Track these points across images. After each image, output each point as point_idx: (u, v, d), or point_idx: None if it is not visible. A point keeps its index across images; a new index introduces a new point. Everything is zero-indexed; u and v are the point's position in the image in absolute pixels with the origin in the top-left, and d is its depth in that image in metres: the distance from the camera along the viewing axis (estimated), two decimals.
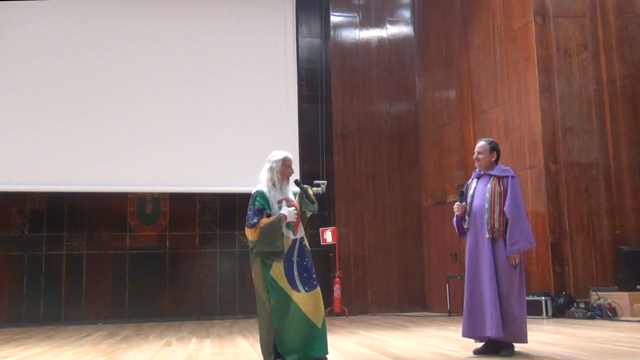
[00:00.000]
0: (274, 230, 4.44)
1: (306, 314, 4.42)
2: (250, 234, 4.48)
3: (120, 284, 10.56)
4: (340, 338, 6.73)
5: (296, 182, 4.79)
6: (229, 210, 11.06)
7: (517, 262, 4.71)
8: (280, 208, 4.56)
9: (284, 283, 4.45)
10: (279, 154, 4.71)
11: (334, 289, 10.72)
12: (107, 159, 10.36)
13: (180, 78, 10.90)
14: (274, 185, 4.63)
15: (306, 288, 4.49)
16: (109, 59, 10.68)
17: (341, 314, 10.62)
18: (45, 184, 10.15)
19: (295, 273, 4.51)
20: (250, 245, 4.54)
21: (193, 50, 11.09)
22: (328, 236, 10.68)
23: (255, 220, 4.44)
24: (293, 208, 4.58)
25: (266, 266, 4.48)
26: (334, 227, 10.85)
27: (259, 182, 4.68)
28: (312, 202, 4.70)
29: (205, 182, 10.70)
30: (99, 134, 10.42)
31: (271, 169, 4.65)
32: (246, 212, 4.56)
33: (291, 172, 4.72)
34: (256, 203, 4.51)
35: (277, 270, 4.46)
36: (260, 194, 4.55)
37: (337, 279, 10.78)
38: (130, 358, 5.41)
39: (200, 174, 10.64)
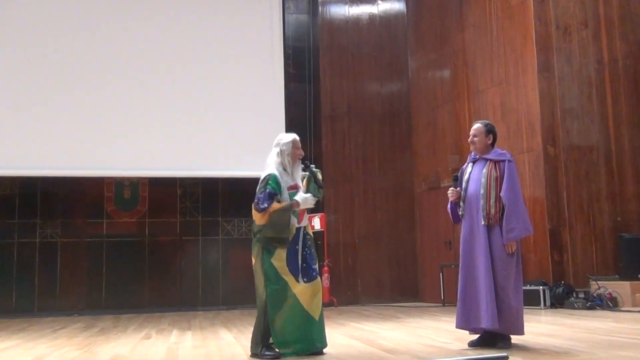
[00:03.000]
0: (285, 217, 4.45)
1: (303, 305, 4.44)
2: (258, 218, 4.46)
3: (96, 273, 10.38)
4: (328, 330, 6.65)
5: (305, 165, 4.73)
6: (211, 196, 10.97)
7: (513, 250, 4.66)
8: (292, 195, 4.56)
9: (284, 271, 4.46)
10: (287, 137, 4.72)
11: (323, 279, 10.49)
12: (83, 141, 10.15)
13: (160, 57, 10.70)
14: (284, 169, 4.61)
15: (305, 279, 4.50)
16: (85, 40, 10.47)
17: (330, 304, 10.50)
18: (16, 167, 9.99)
19: (299, 262, 4.52)
20: (255, 229, 4.53)
21: (174, 28, 10.87)
22: (316, 223, 10.59)
23: (266, 205, 4.42)
24: (310, 195, 4.59)
25: (268, 253, 4.49)
26: (322, 214, 10.75)
27: (266, 166, 4.64)
28: (320, 187, 4.71)
29: (187, 166, 10.56)
30: (74, 115, 10.22)
31: (281, 153, 4.62)
32: (255, 195, 4.52)
33: (301, 153, 4.69)
34: (268, 187, 4.48)
35: (280, 258, 4.46)
36: (274, 177, 4.52)
37: (326, 268, 10.67)
38: (107, 351, 5.29)
39: (181, 157, 10.50)
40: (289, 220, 4.46)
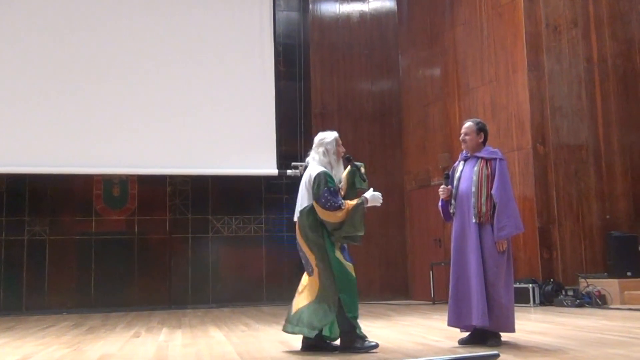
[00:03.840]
0: (361, 213, 4.47)
1: None
2: (333, 217, 4.43)
3: (85, 271, 10.28)
4: None
5: (349, 159, 4.76)
6: (201, 194, 10.89)
7: (504, 248, 4.64)
8: None
9: (344, 260, 4.54)
10: (329, 135, 4.73)
11: None
12: (72, 138, 10.05)
13: (149, 54, 10.60)
14: (331, 168, 4.65)
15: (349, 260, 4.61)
16: (74, 37, 10.35)
17: None
18: (4, 164, 9.87)
19: (346, 249, 4.63)
20: (330, 228, 4.47)
21: (164, 26, 10.78)
22: None
23: (341, 202, 4.43)
24: (379, 193, 4.66)
25: (331, 248, 4.50)
26: None
27: (311, 165, 4.68)
28: (364, 180, 4.73)
29: (177, 164, 10.47)
30: (63, 112, 10.11)
31: (327, 152, 4.66)
32: (318, 195, 4.49)
33: (343, 150, 4.75)
34: (330, 185, 4.49)
35: (338, 250, 4.53)
36: (329, 175, 4.55)
37: None
38: (96, 350, 5.23)
39: (171, 154, 10.41)
40: (364, 216, 4.52)
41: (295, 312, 4.59)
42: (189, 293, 10.59)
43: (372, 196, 4.61)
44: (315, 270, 4.53)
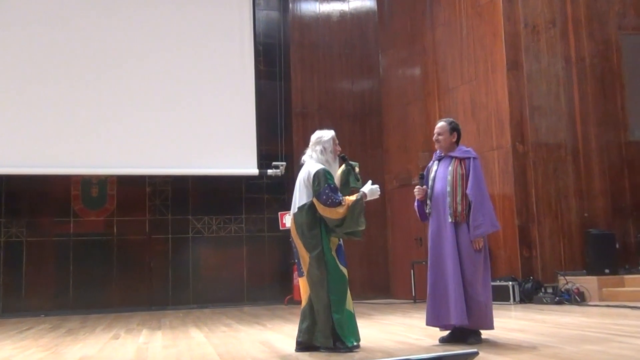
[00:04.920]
0: (360, 208, 4.48)
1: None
2: (334, 213, 4.44)
3: (63, 273, 10.21)
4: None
5: (344, 159, 4.83)
6: (181, 194, 10.85)
7: (481, 246, 4.65)
8: None
9: (339, 263, 4.55)
10: (326, 134, 4.75)
11: (294, 276, 10.48)
12: (49, 138, 9.96)
13: (128, 52, 10.53)
14: (328, 166, 4.67)
15: (344, 265, 4.63)
16: (50, 35, 10.23)
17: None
18: None
19: (342, 251, 4.63)
20: (332, 225, 4.48)
21: (143, 24, 10.70)
22: (287, 220, 10.44)
23: (342, 198, 4.45)
24: (377, 186, 4.69)
25: (328, 246, 4.51)
26: None
27: (308, 163, 4.68)
28: (358, 180, 4.78)
29: (156, 164, 10.42)
30: (40, 112, 10.00)
31: (324, 150, 4.69)
32: (318, 192, 4.48)
33: (339, 149, 4.79)
34: (330, 182, 4.51)
35: (334, 251, 4.54)
36: (329, 172, 4.57)
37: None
38: (75, 352, 5.18)
39: (150, 155, 10.36)
40: (364, 210, 4.53)
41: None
42: (169, 294, 10.53)
43: (370, 190, 4.65)
44: (305, 269, 4.53)
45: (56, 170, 10.00)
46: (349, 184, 4.75)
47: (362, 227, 4.52)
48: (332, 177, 4.55)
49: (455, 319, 4.55)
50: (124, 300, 10.29)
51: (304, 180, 4.58)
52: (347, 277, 4.56)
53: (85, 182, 10.48)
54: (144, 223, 10.64)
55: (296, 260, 4.68)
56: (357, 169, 4.79)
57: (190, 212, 10.75)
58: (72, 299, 10.10)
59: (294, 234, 4.61)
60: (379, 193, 4.70)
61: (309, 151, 4.74)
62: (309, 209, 4.51)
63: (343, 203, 4.42)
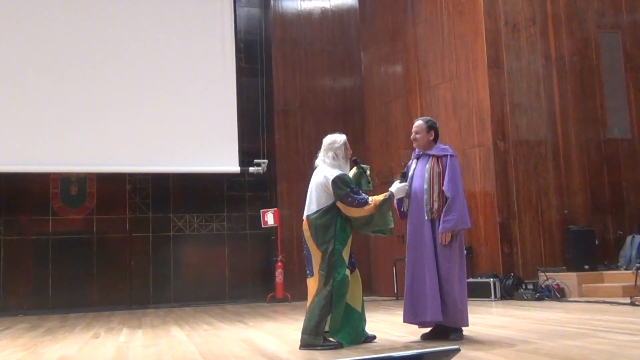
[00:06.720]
0: (388, 206, 4.60)
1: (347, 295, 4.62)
2: (363, 211, 4.54)
3: (42, 271, 10.10)
4: (282, 325, 6.65)
5: (356, 162, 4.93)
6: (162, 192, 10.79)
7: (448, 241, 4.65)
8: None
9: (345, 262, 4.58)
10: (339, 138, 4.82)
11: (276, 274, 10.57)
12: (27, 135, 9.84)
13: (107, 49, 10.43)
14: (341, 171, 4.75)
15: (350, 268, 4.65)
16: (27, 31, 10.10)
17: (284, 300, 10.45)
18: None
19: (350, 252, 4.67)
20: (360, 224, 4.61)
21: (122, 19, 10.60)
22: (269, 218, 10.54)
23: (367, 197, 4.56)
24: (405, 184, 4.79)
25: (341, 243, 4.56)
26: (275, 209, 10.69)
27: (322, 167, 4.73)
28: (369, 182, 4.88)
29: (136, 161, 10.34)
30: (17, 108, 9.89)
31: (337, 156, 4.76)
32: (342, 196, 4.54)
33: (350, 153, 4.88)
34: (352, 185, 4.61)
35: (346, 251, 4.59)
36: (348, 176, 4.68)
37: (279, 263, 10.59)
38: (54, 352, 5.13)
39: (130, 152, 10.27)
40: (391, 209, 4.65)
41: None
42: (150, 293, 10.47)
43: (398, 189, 4.75)
44: (316, 269, 4.56)
45: (35, 167, 9.90)
46: (360, 187, 4.80)
47: (391, 225, 4.63)
48: (351, 180, 4.67)
49: (430, 316, 4.59)
50: (104, 299, 10.22)
51: (320, 185, 4.63)
52: (349, 280, 4.58)
53: (65, 179, 10.38)
54: (124, 221, 10.55)
55: (305, 262, 4.71)
56: (368, 172, 4.90)
57: (172, 210, 10.69)
58: (51, 298, 10.01)
59: (307, 236, 4.64)
60: (407, 190, 4.78)
61: (321, 155, 4.80)
62: (324, 213, 4.57)
63: (370, 202, 4.53)
